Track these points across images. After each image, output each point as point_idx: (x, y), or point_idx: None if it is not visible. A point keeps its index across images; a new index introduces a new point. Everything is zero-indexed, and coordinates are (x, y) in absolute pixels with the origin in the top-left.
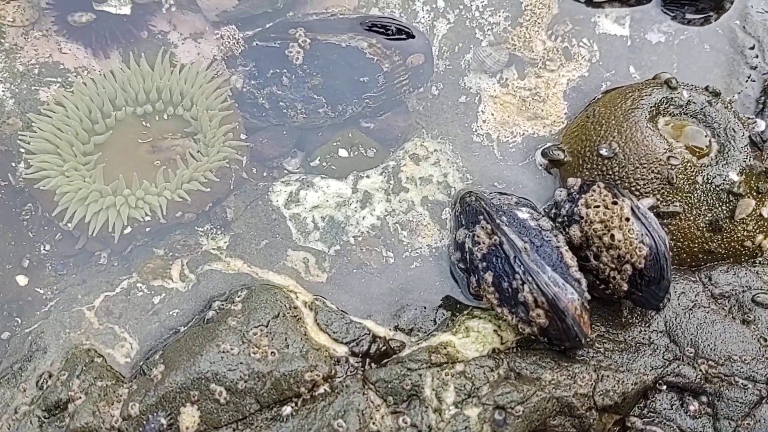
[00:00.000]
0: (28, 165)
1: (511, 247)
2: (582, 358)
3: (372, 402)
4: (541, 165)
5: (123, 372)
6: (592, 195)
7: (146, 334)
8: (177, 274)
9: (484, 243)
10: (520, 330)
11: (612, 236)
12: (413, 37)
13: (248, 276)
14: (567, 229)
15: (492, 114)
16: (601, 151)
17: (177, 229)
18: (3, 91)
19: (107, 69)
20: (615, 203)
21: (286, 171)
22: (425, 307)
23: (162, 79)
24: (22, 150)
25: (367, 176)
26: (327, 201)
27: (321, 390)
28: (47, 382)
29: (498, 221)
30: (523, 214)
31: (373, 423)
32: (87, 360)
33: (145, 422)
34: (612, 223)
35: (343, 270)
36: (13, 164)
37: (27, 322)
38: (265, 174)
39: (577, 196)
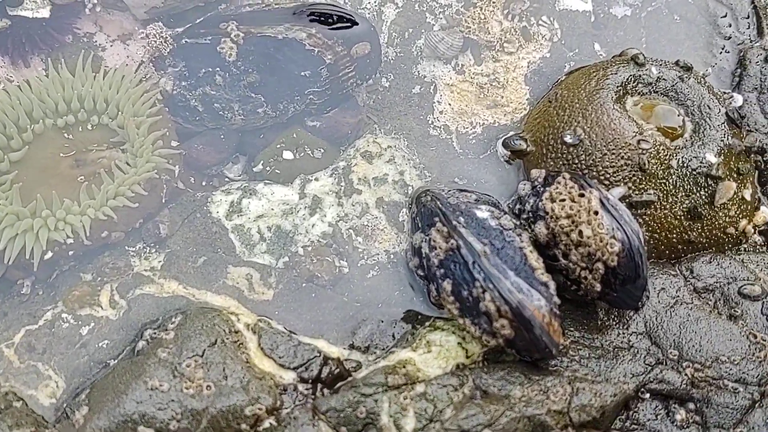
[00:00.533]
0: None
1: (469, 252)
2: (555, 368)
3: None
4: (503, 156)
5: (47, 415)
6: (557, 187)
7: (73, 370)
8: (106, 301)
9: (440, 248)
10: (485, 342)
11: (580, 232)
12: (356, 24)
13: (184, 299)
14: (532, 227)
15: (449, 104)
16: (565, 138)
17: (105, 250)
18: None
19: (27, 77)
20: (582, 195)
21: (227, 179)
22: (383, 321)
23: (84, 87)
24: None
25: (316, 179)
26: (272, 209)
27: (266, 424)
28: None
29: (455, 222)
30: (482, 213)
31: None
32: (4, 405)
33: None
34: (579, 217)
35: (292, 285)
36: None
37: None
38: (204, 183)
39: (542, 189)
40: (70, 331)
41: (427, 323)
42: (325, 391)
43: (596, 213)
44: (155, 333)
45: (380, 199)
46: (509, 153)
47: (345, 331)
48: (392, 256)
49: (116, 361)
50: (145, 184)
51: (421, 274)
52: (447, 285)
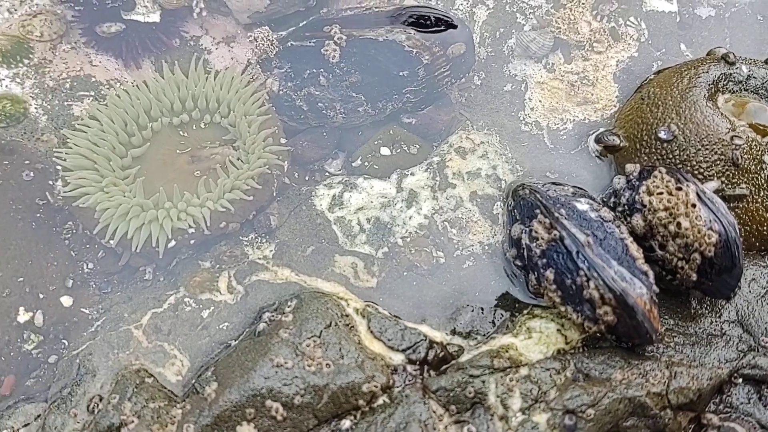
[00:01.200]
0: (65, 183)
1: (572, 242)
2: (652, 354)
3: (434, 412)
4: (594, 152)
5: (175, 391)
6: (654, 181)
7: (197, 350)
8: (224, 287)
9: (542, 238)
10: (586, 328)
11: (678, 224)
12: (453, 26)
13: (297, 285)
14: (628, 219)
15: (540, 101)
16: (659, 135)
17: (222, 239)
18: (35, 107)
19: (140, 79)
20: (679, 189)
21: (327, 173)
22: (482, 309)
23: (197, 87)
24: (58, 167)
25: (412, 174)
26: (371, 202)
27: (380, 401)
28: (98, 406)
29: (557, 214)
30: (582, 205)
31: None
32: (138, 381)
33: None
34: (677, 210)
35: (393, 273)
36: (51, 182)
37: (74, 344)
38: (307, 178)
39: (637, 183)
40: (192, 314)
41: (525, 311)
42: (431, 372)
43: (694, 205)
44: (273, 316)
45: (474, 193)
46: (601, 148)
47: (446, 318)
48: (486, 247)
49: (237, 341)
50: (258, 179)
51: (519, 264)
52: (549, 274)
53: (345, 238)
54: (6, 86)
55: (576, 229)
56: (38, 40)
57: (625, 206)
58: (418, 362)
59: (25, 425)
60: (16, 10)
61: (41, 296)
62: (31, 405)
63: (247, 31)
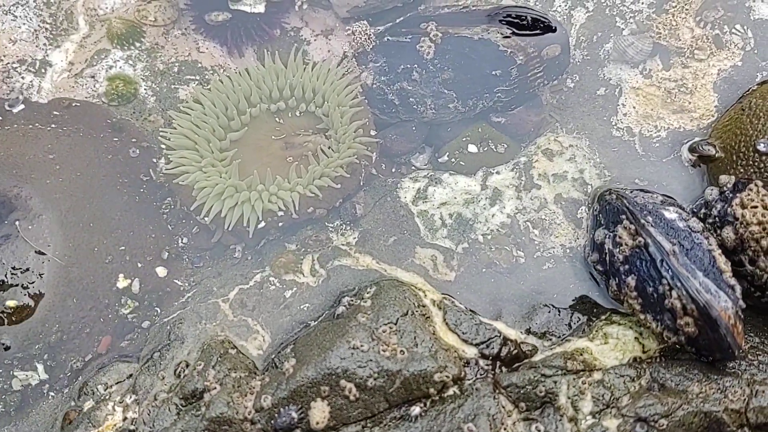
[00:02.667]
0: (168, 161)
1: (657, 250)
2: (733, 370)
3: (503, 407)
4: (688, 161)
5: (256, 364)
6: (749, 194)
7: (278, 328)
8: (308, 269)
9: (626, 244)
10: (665, 338)
11: None
12: (550, 27)
13: (377, 272)
14: (719, 231)
15: (633, 107)
16: (758, 147)
17: (308, 224)
18: (145, 89)
19: (242, 67)
20: None
21: (414, 167)
22: (559, 311)
23: (295, 77)
24: (162, 146)
25: (497, 172)
26: (455, 198)
27: (450, 392)
28: (184, 371)
29: (643, 221)
30: (670, 214)
31: (505, 429)
32: (222, 351)
33: (276, 415)
34: None
35: (472, 269)
36: (154, 160)
37: (165, 312)
38: (393, 170)
39: (731, 195)
40: (275, 293)
41: (603, 316)
42: (503, 368)
43: None
44: (353, 300)
45: (559, 195)
46: (695, 158)
47: (522, 316)
48: (568, 250)
49: (316, 322)
50: (347, 168)
51: (600, 269)
52: (631, 281)
53: (426, 231)
54: (120, 67)
55: (662, 237)
56: (152, 25)
57: (716, 218)
58: (490, 357)
59: (118, 382)
60: None
61: (139, 265)
62: (124, 364)
63: (346, 25)
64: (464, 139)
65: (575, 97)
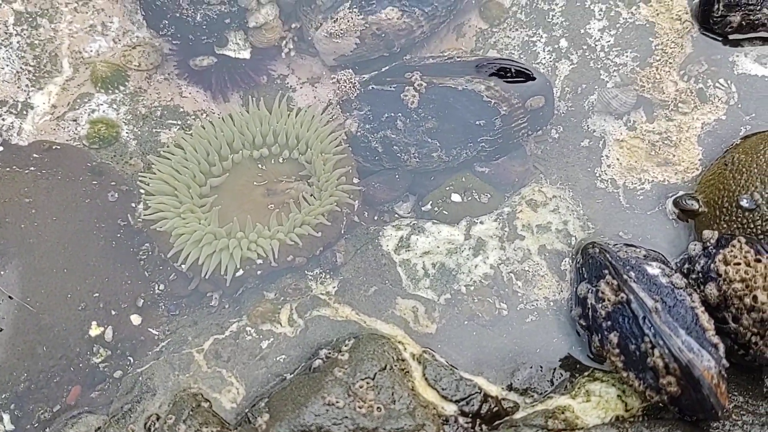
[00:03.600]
0: (146, 206)
1: (639, 306)
2: (717, 430)
3: None
4: (672, 215)
5: (228, 418)
6: (732, 251)
7: (253, 380)
8: (286, 319)
9: (609, 300)
10: (648, 397)
11: (755, 297)
12: (533, 78)
13: (356, 324)
14: (702, 287)
15: (618, 159)
16: (741, 203)
17: (287, 272)
18: (127, 132)
19: (226, 112)
20: (758, 260)
21: (397, 215)
22: (541, 367)
23: (279, 123)
24: (141, 191)
25: (481, 222)
26: (438, 247)
27: None
28: (155, 424)
29: (625, 277)
30: (653, 269)
31: None
32: (194, 404)
33: None
34: (754, 282)
35: (454, 321)
36: (133, 204)
37: (139, 361)
38: (376, 218)
39: (714, 251)
40: (252, 343)
41: (586, 373)
42: (483, 426)
43: None
44: (330, 353)
45: (542, 247)
46: (679, 212)
47: (504, 372)
48: (552, 303)
49: (292, 375)
50: (328, 216)
51: (584, 324)
52: (613, 337)
53: (409, 281)
54: (103, 111)
55: (644, 293)
56: (136, 70)
57: (700, 274)
58: (470, 414)
59: None
60: (120, 40)
61: (113, 313)
62: (93, 417)
63: (332, 73)
64: (448, 188)
65: (559, 148)
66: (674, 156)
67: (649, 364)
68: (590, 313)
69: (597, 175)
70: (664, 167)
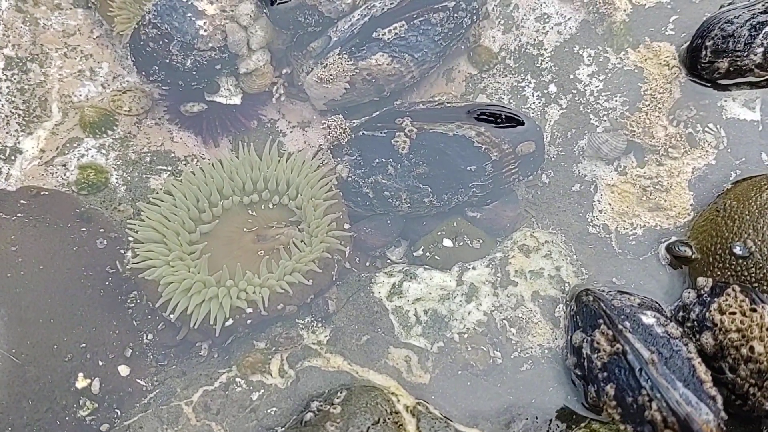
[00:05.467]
0: (134, 254)
1: (636, 358)
2: None
3: None
4: (665, 260)
5: None
6: (727, 299)
7: None
8: (276, 370)
9: (604, 351)
10: None
11: (751, 348)
12: (523, 124)
13: (348, 374)
14: (698, 336)
15: (609, 203)
16: (734, 250)
17: (278, 321)
18: (116, 178)
19: (216, 157)
20: (754, 310)
21: (389, 261)
22: (537, 417)
23: (269, 169)
24: (130, 238)
25: (473, 268)
26: (430, 293)
27: None
28: None
29: (620, 327)
30: (648, 318)
31: None
32: None
33: None
34: (751, 333)
35: (447, 371)
36: (122, 251)
37: (126, 414)
38: (367, 264)
39: (709, 299)
40: (242, 395)
41: (582, 424)
42: None
43: None
44: (322, 405)
45: (536, 293)
46: (672, 258)
47: (499, 423)
48: (546, 351)
49: (283, 429)
50: (319, 263)
51: (579, 373)
52: (610, 389)
53: (401, 329)
54: (92, 156)
55: (640, 344)
56: (126, 115)
57: (695, 322)
58: None
59: None
60: (109, 85)
61: (100, 363)
62: None
63: (323, 117)
64: (439, 233)
65: (550, 193)
66: (665, 201)
67: (647, 417)
68: (586, 363)
69: (589, 220)
70: (655, 212)
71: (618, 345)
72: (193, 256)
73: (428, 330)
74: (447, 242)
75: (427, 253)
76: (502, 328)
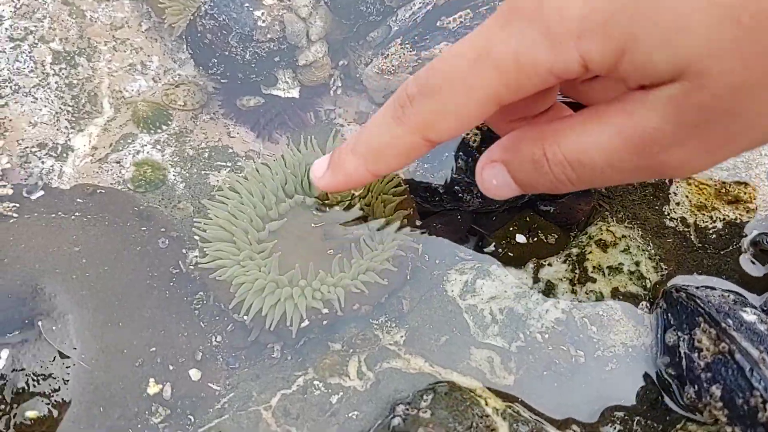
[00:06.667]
0: (203, 253)
1: (744, 358)
2: None
3: None
4: (749, 254)
5: None
6: None
7: None
8: (354, 372)
9: (708, 350)
10: None
11: None
12: None
13: (431, 376)
14: None
15: (686, 196)
16: None
17: (352, 321)
18: (173, 175)
19: (274, 152)
20: None
21: (458, 258)
22: (630, 419)
23: None
24: (196, 237)
25: (549, 264)
26: (505, 291)
27: None
28: None
29: (723, 325)
30: (749, 315)
31: None
32: None
33: None
34: None
35: (531, 371)
36: (184, 251)
37: (200, 420)
38: (438, 261)
39: None
40: (321, 398)
41: (678, 425)
42: None
43: None
44: (408, 409)
45: (615, 290)
46: (757, 251)
47: (591, 426)
48: (630, 349)
49: None
50: (394, 261)
51: (673, 373)
52: (715, 390)
53: (477, 329)
54: (147, 152)
55: (747, 342)
56: (180, 109)
57: None
58: None
59: None
60: (160, 78)
61: (171, 368)
62: None
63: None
64: (512, 228)
65: (624, 185)
66: (745, 194)
67: (761, 419)
68: (684, 363)
69: (665, 213)
70: (734, 205)
71: (723, 344)
72: (263, 255)
73: (505, 329)
74: (520, 237)
75: (500, 249)
76: (583, 326)
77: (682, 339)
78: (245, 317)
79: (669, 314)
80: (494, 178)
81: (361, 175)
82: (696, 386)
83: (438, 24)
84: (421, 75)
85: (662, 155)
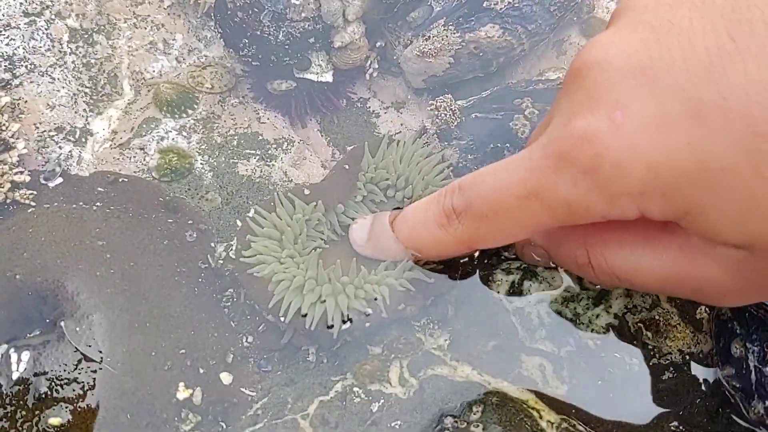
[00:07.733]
0: (247, 245)
1: None
2: None
3: None
4: None
5: None
6: None
7: None
8: (396, 378)
9: None
10: None
11: None
12: None
13: (480, 386)
14: None
15: None
16: None
17: (392, 324)
18: (201, 163)
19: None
20: None
21: (503, 257)
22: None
23: (383, 161)
24: (218, 229)
25: None
26: (553, 294)
27: None
28: None
29: None
30: None
31: None
32: None
33: None
34: None
35: (584, 380)
36: (212, 245)
37: (233, 428)
38: (486, 261)
39: None
40: (361, 406)
41: None
42: None
43: None
44: (457, 422)
45: None
46: None
47: None
48: (687, 357)
49: None
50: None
51: (737, 385)
52: None
53: (524, 333)
54: (173, 139)
55: None
56: (208, 92)
57: None
58: None
59: None
60: (184, 59)
61: (201, 371)
62: None
63: (418, 96)
64: None
65: None
66: None
67: None
68: (753, 377)
69: None
70: None
71: None
72: (304, 252)
73: (553, 333)
74: None
75: None
76: (636, 332)
77: (751, 351)
78: (282, 318)
79: (736, 323)
80: (538, 257)
81: (401, 255)
82: (765, 402)
83: (485, 5)
84: (469, 194)
85: (718, 299)
